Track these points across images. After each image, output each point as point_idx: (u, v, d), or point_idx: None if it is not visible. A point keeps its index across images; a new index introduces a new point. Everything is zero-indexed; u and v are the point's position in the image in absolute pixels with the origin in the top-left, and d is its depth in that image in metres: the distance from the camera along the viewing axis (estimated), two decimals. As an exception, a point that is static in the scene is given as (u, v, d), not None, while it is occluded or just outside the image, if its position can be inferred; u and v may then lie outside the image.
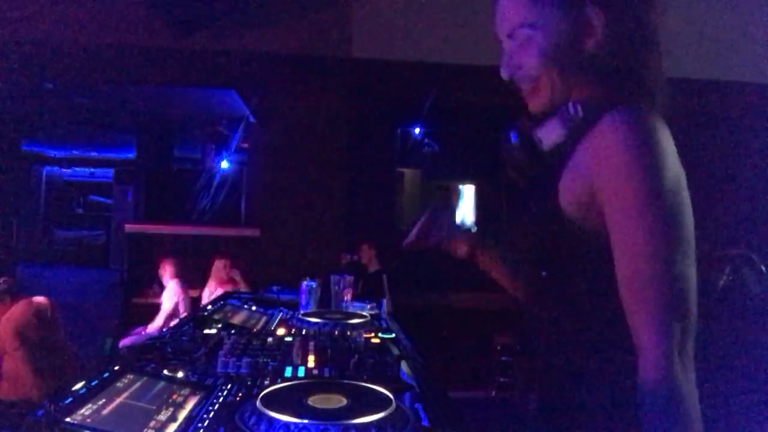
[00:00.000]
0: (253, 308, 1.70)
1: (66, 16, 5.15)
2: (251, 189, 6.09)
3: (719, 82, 5.35)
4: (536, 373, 0.96)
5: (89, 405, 0.74)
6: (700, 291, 0.78)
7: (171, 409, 0.80)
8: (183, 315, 4.24)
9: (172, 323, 1.69)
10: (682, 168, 0.81)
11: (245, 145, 6.56)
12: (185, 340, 1.21)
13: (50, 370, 3.04)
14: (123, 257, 7.11)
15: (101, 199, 14.30)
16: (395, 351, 1.25)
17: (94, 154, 12.53)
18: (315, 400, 0.81)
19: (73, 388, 0.78)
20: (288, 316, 1.64)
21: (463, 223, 1.23)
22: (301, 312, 1.64)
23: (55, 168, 13.80)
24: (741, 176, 4.96)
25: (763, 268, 1.03)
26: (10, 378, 3.00)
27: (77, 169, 13.95)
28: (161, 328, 4.33)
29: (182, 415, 0.80)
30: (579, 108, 0.89)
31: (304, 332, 1.40)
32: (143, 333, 4.51)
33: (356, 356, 1.14)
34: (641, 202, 0.77)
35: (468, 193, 8.60)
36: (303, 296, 1.76)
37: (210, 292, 4.55)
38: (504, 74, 0.95)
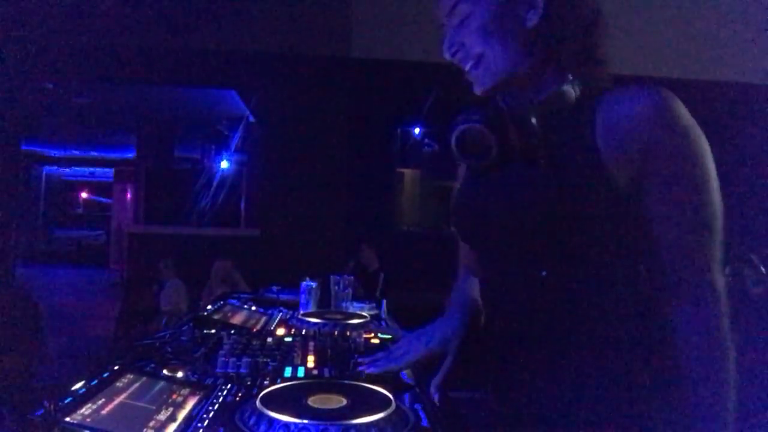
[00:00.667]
0: (253, 308, 1.70)
1: (66, 16, 5.15)
2: (251, 189, 6.10)
3: (719, 83, 5.36)
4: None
5: (89, 405, 0.74)
6: None
7: (170, 409, 0.80)
8: (183, 314, 4.24)
9: (171, 323, 1.69)
10: None
11: (244, 145, 6.57)
12: (185, 340, 1.20)
13: None
14: (123, 257, 7.12)
15: (101, 199, 14.30)
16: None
17: (94, 153, 12.53)
18: (315, 401, 0.81)
19: (73, 388, 0.78)
20: (288, 316, 1.64)
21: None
22: (301, 312, 1.64)
23: (55, 168, 13.81)
24: (740, 177, 4.96)
25: (763, 269, 1.04)
26: None
27: (77, 169, 13.96)
28: (162, 327, 4.33)
29: (182, 415, 0.80)
30: (571, 87, 0.86)
31: (303, 332, 1.40)
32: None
33: (356, 356, 1.14)
34: (701, 178, 0.80)
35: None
36: (303, 296, 1.76)
37: (211, 292, 4.55)
38: (446, 54, 0.93)
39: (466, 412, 0.98)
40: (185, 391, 0.88)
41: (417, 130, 6.62)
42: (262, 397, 0.81)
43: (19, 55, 5.14)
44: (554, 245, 0.84)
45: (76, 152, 12.45)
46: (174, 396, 0.85)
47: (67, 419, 0.69)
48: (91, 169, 13.97)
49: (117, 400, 0.79)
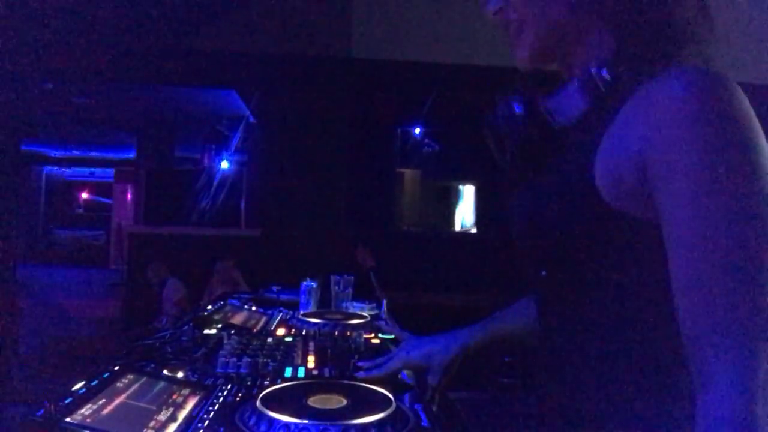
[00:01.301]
0: (253, 308, 1.70)
1: (66, 16, 5.15)
2: (251, 189, 6.10)
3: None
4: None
5: (89, 405, 0.74)
6: None
7: (171, 409, 0.80)
8: (183, 313, 4.25)
9: (173, 321, 1.69)
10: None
11: (244, 145, 6.57)
12: (185, 340, 1.21)
13: None
14: (123, 257, 7.12)
15: (101, 199, 14.31)
16: (394, 351, 1.24)
17: (94, 154, 12.53)
18: (315, 401, 0.81)
19: (73, 388, 0.78)
20: (288, 317, 1.64)
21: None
22: (301, 312, 1.64)
23: (55, 168, 13.81)
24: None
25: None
26: None
27: (77, 169, 13.96)
28: (164, 325, 4.34)
29: (182, 415, 0.80)
30: (605, 71, 0.70)
31: (304, 332, 1.40)
32: None
33: (356, 356, 1.14)
34: (733, 183, 0.57)
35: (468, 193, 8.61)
36: (303, 296, 1.76)
37: (212, 292, 4.55)
38: (488, 9, 0.80)
39: (466, 412, 0.98)
40: (185, 391, 0.88)
41: (417, 130, 6.62)
42: (262, 397, 0.81)
43: (19, 55, 5.14)
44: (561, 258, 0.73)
45: (76, 152, 12.44)
46: (174, 396, 0.85)
47: (68, 419, 0.69)
48: (91, 169, 13.97)
49: (117, 400, 0.79)
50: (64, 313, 6.16)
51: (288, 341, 1.30)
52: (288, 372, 1.05)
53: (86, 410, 0.73)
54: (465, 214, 8.90)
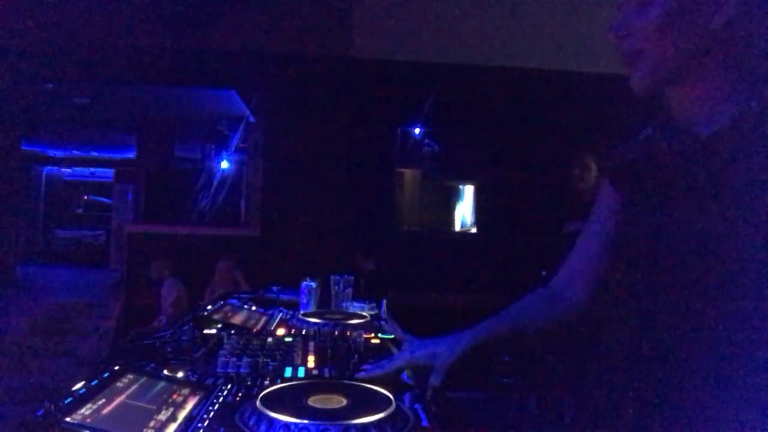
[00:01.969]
0: (253, 308, 1.70)
1: (66, 16, 5.15)
2: (251, 189, 6.09)
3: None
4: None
5: (89, 405, 0.74)
6: None
7: (171, 409, 0.80)
8: (181, 313, 4.24)
9: (173, 321, 1.69)
10: None
11: (244, 145, 6.57)
12: (185, 340, 1.21)
13: None
14: (123, 257, 7.12)
15: (101, 199, 14.30)
16: (395, 351, 1.25)
17: (94, 154, 12.53)
18: (315, 401, 0.81)
19: (73, 388, 0.78)
20: (288, 316, 1.64)
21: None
22: (301, 312, 1.64)
23: (55, 168, 13.81)
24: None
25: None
26: None
27: (77, 169, 13.96)
28: (164, 324, 4.34)
29: (182, 414, 0.80)
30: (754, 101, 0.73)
31: (304, 332, 1.40)
32: None
33: (356, 356, 1.14)
34: None
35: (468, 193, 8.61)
36: (303, 296, 1.76)
37: (213, 292, 4.56)
38: (610, 33, 0.82)
39: (466, 412, 0.98)
40: (185, 391, 0.88)
41: (417, 130, 6.62)
42: (262, 397, 0.81)
43: (19, 55, 5.14)
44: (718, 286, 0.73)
45: (76, 152, 12.44)
46: (174, 396, 0.85)
47: (68, 419, 0.69)
48: (91, 169, 13.96)
49: (117, 400, 0.79)
50: (64, 313, 6.16)
51: (288, 341, 1.30)
52: (288, 372, 1.05)
53: (86, 410, 0.73)
54: (465, 214, 8.91)
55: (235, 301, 1.74)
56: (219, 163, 7.52)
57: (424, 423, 0.82)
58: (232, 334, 1.27)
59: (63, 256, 12.11)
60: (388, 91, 5.81)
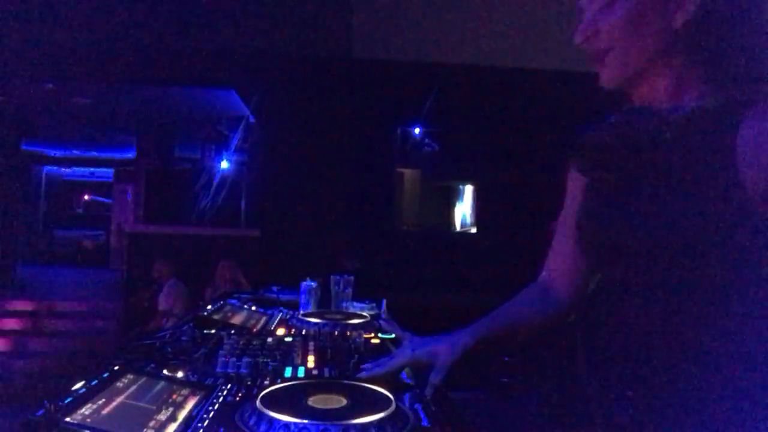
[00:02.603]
0: (253, 308, 1.70)
1: (66, 16, 5.15)
2: (251, 189, 6.10)
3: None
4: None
5: (89, 405, 0.74)
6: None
7: (171, 409, 0.80)
8: (182, 314, 4.24)
9: (171, 323, 1.69)
10: None
11: (244, 145, 6.57)
12: (185, 340, 1.20)
13: None
14: (123, 257, 7.12)
15: (101, 199, 14.30)
16: (395, 351, 1.24)
17: (94, 154, 12.52)
18: (315, 400, 0.81)
19: (73, 388, 0.78)
20: (288, 316, 1.64)
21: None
22: (301, 312, 1.64)
23: (55, 168, 13.80)
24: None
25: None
26: None
27: (77, 169, 13.95)
28: (161, 326, 4.33)
29: (182, 415, 0.80)
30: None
31: (304, 332, 1.40)
32: None
33: (356, 356, 1.14)
34: None
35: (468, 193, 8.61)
36: (303, 296, 1.76)
37: (215, 291, 4.55)
38: (577, 39, 0.86)
39: (466, 412, 0.98)
40: (185, 391, 0.88)
41: (417, 130, 6.63)
42: (262, 397, 0.81)
43: (19, 55, 5.14)
44: (684, 275, 0.75)
45: (76, 152, 12.44)
46: (174, 396, 0.85)
47: (68, 419, 0.69)
48: (91, 169, 13.95)
49: (117, 400, 0.79)
50: (64, 312, 6.17)
51: (288, 341, 1.30)
52: (288, 372, 1.05)
53: (86, 410, 0.73)
54: (465, 214, 8.91)
55: (235, 301, 1.74)
56: (219, 163, 7.51)
57: (424, 423, 0.81)
58: (232, 334, 1.27)
59: (63, 256, 12.10)
60: (388, 91, 5.81)
